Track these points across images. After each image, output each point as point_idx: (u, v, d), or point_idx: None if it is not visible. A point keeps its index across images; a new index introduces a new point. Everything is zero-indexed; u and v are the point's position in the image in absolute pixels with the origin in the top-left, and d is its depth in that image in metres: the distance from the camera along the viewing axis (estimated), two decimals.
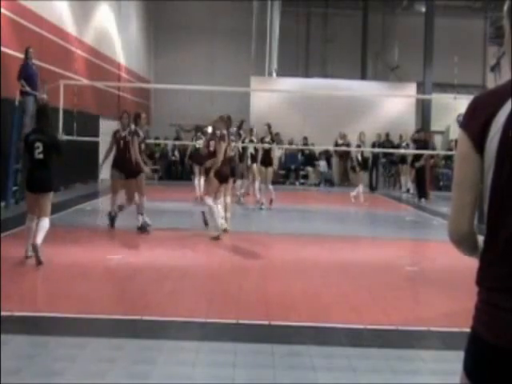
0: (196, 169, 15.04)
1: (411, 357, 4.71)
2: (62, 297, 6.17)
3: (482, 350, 1.68)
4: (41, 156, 7.38)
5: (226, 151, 9.79)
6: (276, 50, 24.65)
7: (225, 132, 9.92)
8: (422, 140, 18.30)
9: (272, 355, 4.53)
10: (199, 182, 14.74)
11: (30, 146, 7.43)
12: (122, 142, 10.45)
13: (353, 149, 22.36)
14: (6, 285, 6.01)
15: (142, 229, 10.10)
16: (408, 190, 19.14)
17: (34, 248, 7.27)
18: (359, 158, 16.66)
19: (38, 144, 7.36)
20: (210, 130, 12.52)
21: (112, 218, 10.39)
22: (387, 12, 28.39)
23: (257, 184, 14.70)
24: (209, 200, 9.73)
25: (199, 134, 15.58)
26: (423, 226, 13.19)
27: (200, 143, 14.67)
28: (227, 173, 10.04)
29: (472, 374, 1.71)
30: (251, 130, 15.64)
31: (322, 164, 23.40)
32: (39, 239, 7.30)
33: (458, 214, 1.80)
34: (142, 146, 10.23)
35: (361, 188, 16.45)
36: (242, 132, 15.54)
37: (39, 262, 7.24)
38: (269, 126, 14.64)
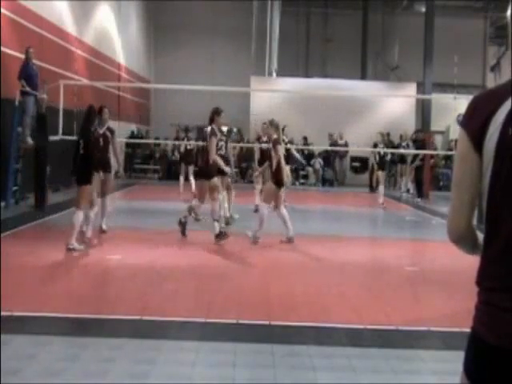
0: (182, 168, 16.40)
1: (411, 357, 4.71)
2: (61, 297, 6.17)
3: (482, 351, 1.68)
4: (82, 151, 8.42)
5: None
6: (276, 50, 24.65)
7: (276, 136, 9.62)
8: (421, 140, 18.32)
9: (272, 355, 4.53)
10: (192, 181, 15.35)
11: (77, 142, 8.53)
12: (101, 139, 9.55)
13: (341, 148, 22.36)
14: (6, 285, 6.01)
15: (220, 236, 9.18)
16: (408, 190, 19.15)
17: (68, 249, 8.12)
18: (377, 158, 16.26)
19: (81, 141, 8.45)
20: (209, 130, 12.47)
21: (183, 225, 9.70)
22: (387, 12, 28.40)
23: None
24: (264, 208, 9.31)
25: (190, 134, 17.16)
26: (423, 226, 13.19)
27: (191, 144, 15.36)
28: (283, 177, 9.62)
29: (472, 375, 1.71)
30: (282, 130, 14.94)
31: (317, 163, 23.30)
32: (72, 238, 8.17)
33: (456, 213, 1.80)
34: (220, 143, 9.80)
35: (381, 189, 15.88)
36: (284, 137, 14.95)
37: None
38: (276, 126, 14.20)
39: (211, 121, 9.54)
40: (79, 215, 8.31)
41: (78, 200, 8.45)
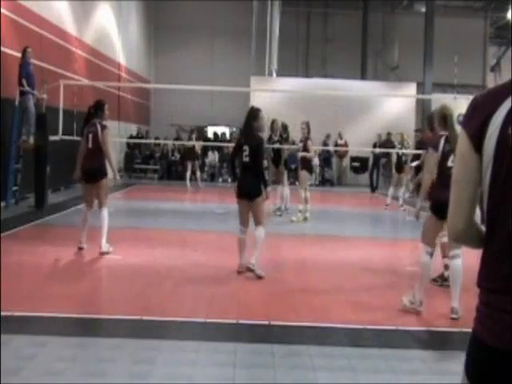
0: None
1: (411, 357, 4.70)
2: (61, 297, 6.17)
3: (482, 352, 1.67)
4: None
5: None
6: (276, 50, 24.64)
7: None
8: (419, 140, 18.33)
9: (272, 355, 4.53)
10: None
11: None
12: (90, 135, 8.22)
13: (341, 148, 22.38)
14: (6, 285, 6.01)
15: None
16: (409, 189, 19.14)
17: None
18: (394, 160, 16.27)
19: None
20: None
21: None
22: (387, 12, 28.39)
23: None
24: (424, 255, 6.07)
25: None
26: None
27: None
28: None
29: (473, 376, 1.71)
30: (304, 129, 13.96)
31: (314, 162, 23.22)
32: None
33: (454, 213, 1.80)
34: None
35: (399, 192, 15.81)
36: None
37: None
38: (284, 126, 14.12)
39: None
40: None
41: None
